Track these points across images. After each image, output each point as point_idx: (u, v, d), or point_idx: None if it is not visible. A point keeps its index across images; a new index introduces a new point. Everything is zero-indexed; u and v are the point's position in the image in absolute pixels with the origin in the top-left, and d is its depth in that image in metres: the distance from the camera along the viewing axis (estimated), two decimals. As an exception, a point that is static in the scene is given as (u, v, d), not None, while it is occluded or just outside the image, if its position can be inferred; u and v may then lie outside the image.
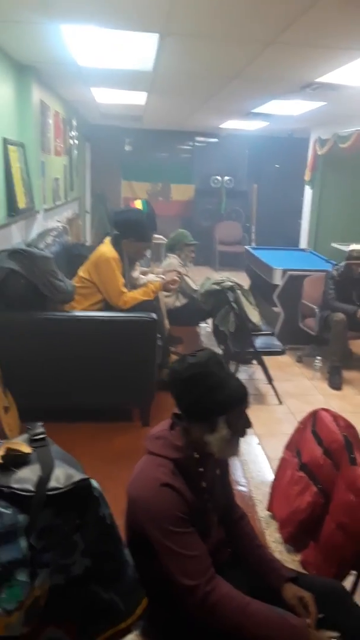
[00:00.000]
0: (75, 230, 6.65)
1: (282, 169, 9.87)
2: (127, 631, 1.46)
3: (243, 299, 3.94)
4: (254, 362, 4.16)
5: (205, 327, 5.38)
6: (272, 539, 2.47)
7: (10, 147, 4.01)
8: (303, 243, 8.19)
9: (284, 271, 5.07)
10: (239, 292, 3.97)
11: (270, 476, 2.85)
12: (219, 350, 4.08)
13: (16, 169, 4.11)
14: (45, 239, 4.07)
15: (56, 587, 1.31)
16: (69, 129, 6.75)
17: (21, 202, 4.14)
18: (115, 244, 3.58)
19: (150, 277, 3.91)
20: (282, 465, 2.53)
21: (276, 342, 4.22)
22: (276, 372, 4.30)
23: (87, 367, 3.09)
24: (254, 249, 6.58)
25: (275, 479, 2.59)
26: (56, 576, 1.31)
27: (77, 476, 1.34)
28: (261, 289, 5.38)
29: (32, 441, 1.45)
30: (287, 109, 5.67)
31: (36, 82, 4.61)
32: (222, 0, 2.46)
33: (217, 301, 4.02)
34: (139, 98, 5.59)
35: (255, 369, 4.35)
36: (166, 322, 3.97)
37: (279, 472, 2.55)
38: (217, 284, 4.04)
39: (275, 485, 2.58)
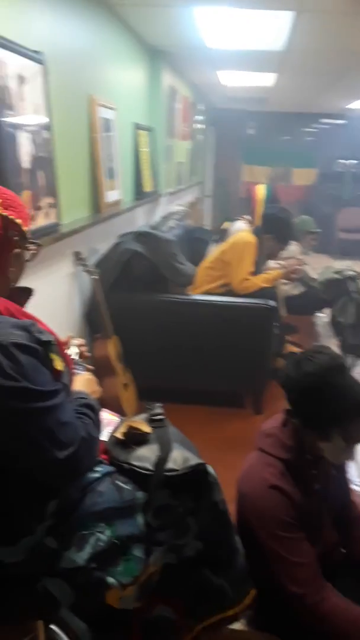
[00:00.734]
0: (196, 214, 6.69)
1: None
2: (234, 618, 1.46)
3: (365, 290, 3.74)
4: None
5: (322, 317, 5.19)
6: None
7: (140, 132, 4.11)
8: None
9: None
10: (360, 282, 3.78)
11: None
12: (335, 343, 3.92)
13: (144, 153, 4.20)
14: (168, 222, 4.14)
15: (168, 566, 1.33)
16: (194, 113, 6.78)
17: (147, 186, 4.23)
18: (257, 234, 3.53)
19: (270, 264, 3.83)
20: None
21: None
22: None
23: (203, 351, 3.11)
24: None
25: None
26: (169, 555, 1.33)
27: (194, 460, 1.34)
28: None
29: (151, 421, 1.48)
30: None
31: (167, 67, 4.67)
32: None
33: (336, 291, 3.85)
34: (266, 79, 5.46)
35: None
36: (283, 310, 3.88)
37: None
38: (338, 272, 3.87)
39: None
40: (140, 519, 1.26)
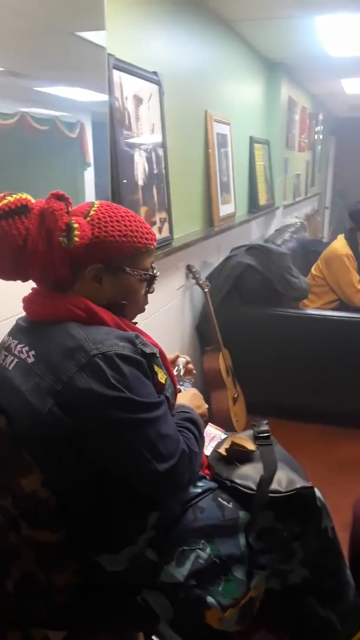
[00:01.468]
0: (314, 226, 6.52)
1: None
2: (343, 656, 1.36)
3: None
4: None
5: None
6: None
7: (256, 145, 4.10)
8: None
9: None
10: None
11: None
12: None
13: (260, 167, 4.18)
14: (283, 235, 4.06)
15: (272, 591, 1.28)
16: (314, 123, 6.63)
17: (262, 199, 4.20)
18: (349, 238, 3.41)
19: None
20: None
21: None
22: None
23: (317, 367, 2.99)
24: None
25: None
26: (273, 580, 1.28)
27: (300, 482, 1.28)
28: None
29: (256, 438, 1.43)
30: None
31: (285, 79, 4.62)
32: None
33: None
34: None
35: None
36: None
37: None
38: None
39: None
40: (242, 540, 1.22)
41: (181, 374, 1.44)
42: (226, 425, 2.74)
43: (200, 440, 1.21)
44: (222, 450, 1.35)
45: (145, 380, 1.07)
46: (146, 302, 1.26)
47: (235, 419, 2.82)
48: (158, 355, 1.14)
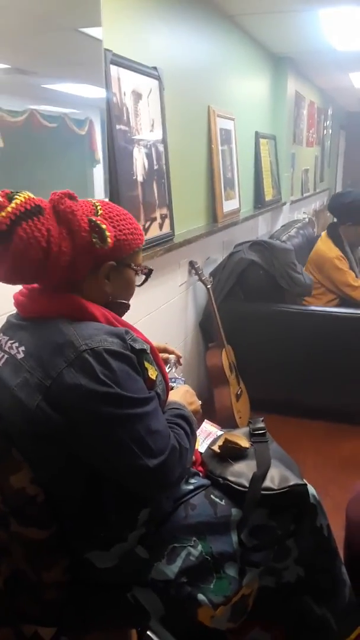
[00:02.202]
0: (323, 222, 6.47)
1: None
2: (339, 654, 1.35)
3: None
4: None
5: None
6: None
7: (262, 140, 4.07)
8: None
9: None
10: None
11: None
12: None
13: (266, 162, 4.16)
14: (289, 230, 4.03)
15: (266, 589, 1.27)
16: (323, 118, 6.58)
17: (268, 194, 4.18)
18: (333, 235, 3.32)
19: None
20: None
21: None
22: None
23: (320, 363, 2.97)
24: None
25: None
26: (266, 578, 1.27)
27: (293, 480, 1.27)
28: None
29: (252, 435, 1.43)
30: None
31: (292, 73, 4.58)
32: None
33: None
34: None
35: None
36: None
37: None
38: None
39: None
40: (234, 537, 1.22)
41: (173, 371, 1.43)
42: (229, 422, 2.73)
43: (191, 436, 1.20)
44: (215, 448, 1.35)
45: (135, 375, 1.07)
46: None
47: (238, 416, 2.81)
48: (149, 351, 1.14)
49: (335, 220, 3.41)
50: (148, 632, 1.31)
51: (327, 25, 3.33)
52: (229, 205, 3.27)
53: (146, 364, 1.12)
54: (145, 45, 2.15)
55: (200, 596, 1.15)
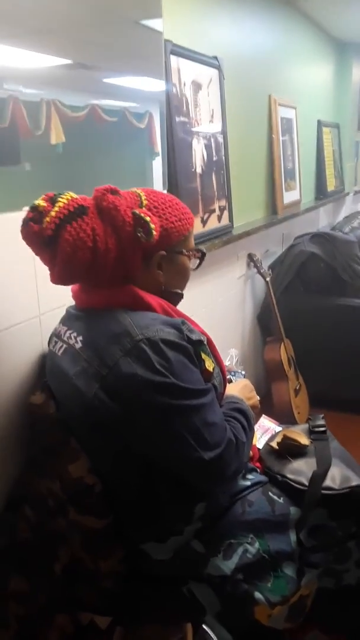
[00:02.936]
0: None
1: None
2: None
3: None
4: None
5: None
6: None
7: (325, 129, 3.96)
8: None
9: None
10: None
11: None
12: None
13: (328, 151, 4.04)
14: (352, 222, 3.90)
15: (326, 591, 1.24)
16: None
17: (330, 185, 4.06)
18: None
19: None
20: None
21: None
22: None
23: (385, 361, 2.86)
24: None
25: None
26: (326, 579, 1.24)
27: (355, 480, 1.22)
28: None
29: (311, 433, 1.39)
30: None
31: (357, 59, 4.42)
32: None
33: None
34: None
35: None
36: None
37: None
38: None
39: None
40: (292, 536, 1.19)
41: (233, 364, 1.41)
42: (287, 417, 2.68)
43: (249, 431, 1.17)
44: (274, 444, 1.32)
45: (191, 366, 1.05)
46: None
47: (296, 411, 2.75)
48: (205, 342, 1.12)
49: None
50: (203, 626, 1.31)
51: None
52: (289, 197, 3.19)
53: (203, 356, 1.10)
54: (205, 35, 2.12)
55: (257, 594, 1.12)
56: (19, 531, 1.08)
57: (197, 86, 2.03)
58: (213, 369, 1.12)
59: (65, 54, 1.47)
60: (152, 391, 1.00)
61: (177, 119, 1.90)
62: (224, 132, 2.26)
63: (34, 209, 1.01)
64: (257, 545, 1.15)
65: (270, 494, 1.22)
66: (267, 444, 1.35)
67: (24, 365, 1.23)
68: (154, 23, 1.76)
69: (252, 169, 2.76)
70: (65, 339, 1.12)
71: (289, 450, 1.29)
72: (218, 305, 2.44)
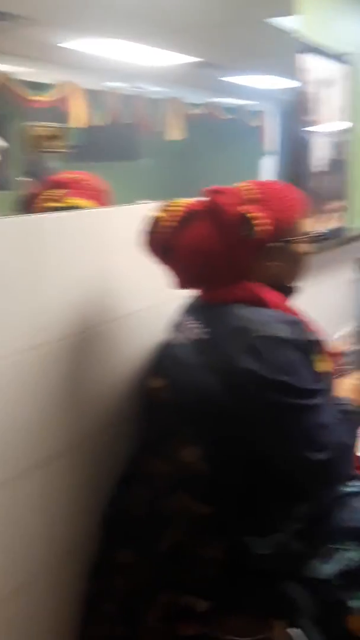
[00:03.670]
0: None
1: None
2: None
3: None
4: None
5: None
6: None
7: None
8: None
9: None
10: None
11: None
12: None
13: None
14: None
15: None
16: None
17: None
18: None
19: None
20: None
21: None
22: None
23: None
24: None
25: None
26: None
27: None
28: None
29: None
30: None
31: None
32: None
33: None
34: None
35: None
36: None
37: None
38: None
39: None
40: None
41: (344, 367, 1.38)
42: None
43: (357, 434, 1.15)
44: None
45: (306, 365, 1.05)
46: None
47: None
48: (319, 343, 1.12)
49: None
50: (296, 628, 1.30)
51: None
52: None
53: (316, 356, 1.10)
54: (336, 31, 2.07)
55: (352, 603, 1.11)
56: (130, 506, 1.14)
57: (324, 83, 2.00)
58: (325, 369, 1.12)
59: (197, 53, 1.51)
60: (267, 388, 1.01)
61: (300, 118, 1.89)
62: (350, 130, 2.21)
63: (152, 220, 1.06)
64: (358, 554, 1.13)
65: (376, 504, 1.19)
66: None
67: (145, 350, 1.29)
68: (285, 20, 1.76)
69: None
70: (187, 329, 1.17)
71: None
72: (330, 307, 2.39)
